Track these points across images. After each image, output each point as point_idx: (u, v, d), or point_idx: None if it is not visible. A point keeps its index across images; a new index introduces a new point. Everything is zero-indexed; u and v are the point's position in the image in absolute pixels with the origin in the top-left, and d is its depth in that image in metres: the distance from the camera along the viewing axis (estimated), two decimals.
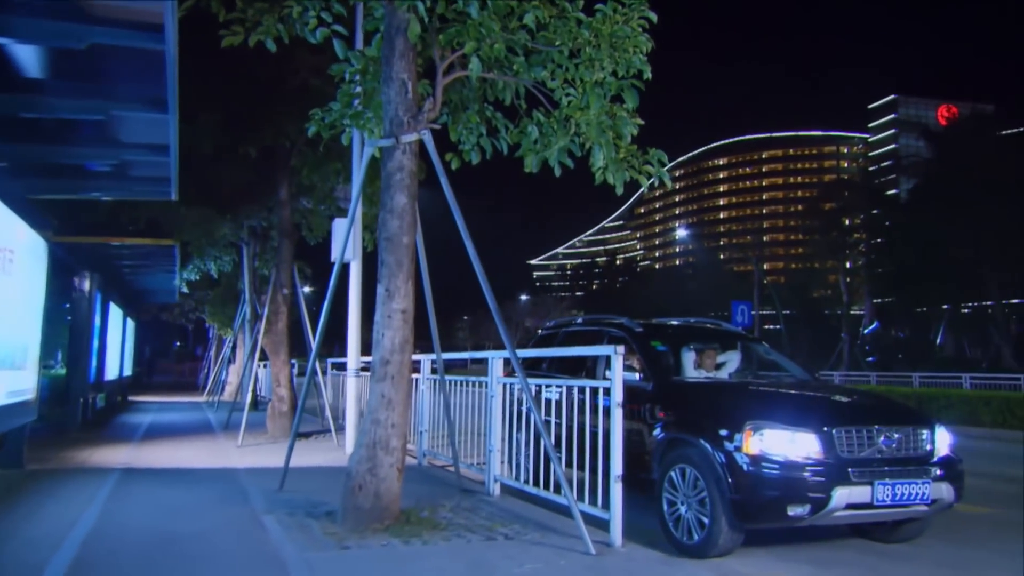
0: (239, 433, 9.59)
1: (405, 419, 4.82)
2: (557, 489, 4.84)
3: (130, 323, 19.12)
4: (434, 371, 6.96)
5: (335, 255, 8.51)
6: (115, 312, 14.88)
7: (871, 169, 57.14)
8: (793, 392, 5.38)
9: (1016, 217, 32.07)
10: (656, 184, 5.17)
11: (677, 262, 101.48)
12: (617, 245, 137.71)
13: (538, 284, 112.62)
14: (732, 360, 6.29)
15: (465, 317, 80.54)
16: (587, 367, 6.21)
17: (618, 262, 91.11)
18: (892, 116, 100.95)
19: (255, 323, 12.94)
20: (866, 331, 50.63)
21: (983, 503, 6.52)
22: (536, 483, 5.31)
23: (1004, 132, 36.80)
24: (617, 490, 4.30)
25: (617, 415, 4.38)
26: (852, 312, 51.71)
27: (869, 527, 4.99)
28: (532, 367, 7.21)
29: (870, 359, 44.92)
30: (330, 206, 11.09)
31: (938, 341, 45.81)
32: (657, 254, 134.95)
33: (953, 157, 35.86)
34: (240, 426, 9.75)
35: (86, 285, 11.01)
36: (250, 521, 4.84)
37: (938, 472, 4.48)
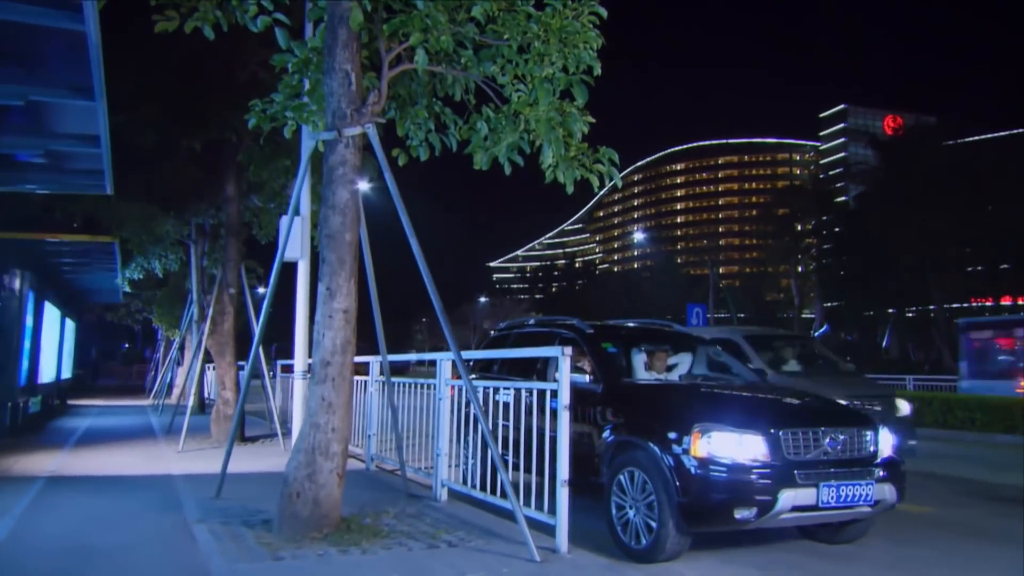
0: (181, 437, 9.23)
1: (347, 423, 4.64)
2: (505, 494, 4.72)
3: (70, 324, 18.31)
4: (382, 373, 6.78)
5: (280, 253, 8.29)
6: (51, 312, 14.20)
7: (822, 176, 58.80)
8: (741, 394, 5.37)
9: (956, 224, 33.32)
10: (607, 183, 5.09)
11: (635, 265, 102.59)
12: (576, 248, 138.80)
13: (498, 287, 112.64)
14: (683, 362, 6.28)
15: (424, 319, 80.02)
16: (538, 369, 6.12)
17: (577, 265, 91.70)
18: (842, 125, 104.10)
19: (202, 324, 12.51)
20: (817, 334, 51.95)
21: (924, 502, 6.64)
22: (484, 488, 5.18)
23: (946, 143, 38.14)
24: (564, 495, 4.21)
25: (564, 418, 4.28)
26: (804, 315, 53.09)
27: (815, 528, 5.01)
28: (485, 369, 7.09)
29: (821, 361, 45.97)
30: (281, 204, 10.78)
31: (884, 344, 47.27)
32: (616, 257, 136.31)
33: (898, 166, 37.08)
34: (182, 430, 9.39)
35: (16, 283, 10.46)
36: (179, 531, 4.59)
37: (881, 473, 4.51)
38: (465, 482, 5.66)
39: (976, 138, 43.14)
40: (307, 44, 5.05)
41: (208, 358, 11.92)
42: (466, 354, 5.64)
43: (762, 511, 4.19)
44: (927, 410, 15.66)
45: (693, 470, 4.27)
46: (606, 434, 5.02)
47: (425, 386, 6.26)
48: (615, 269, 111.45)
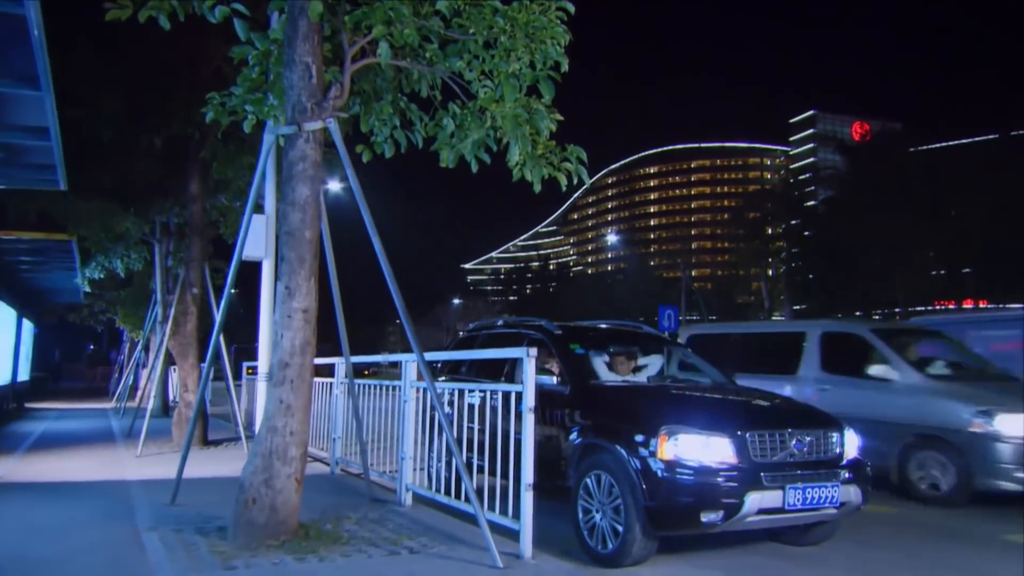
0: (139, 441, 8.95)
1: (305, 426, 4.50)
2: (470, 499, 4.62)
3: (27, 324, 17.74)
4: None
5: (245, 252, 8.09)
6: (6, 312, 13.73)
7: (792, 181, 59.58)
8: (708, 396, 5.34)
9: (920, 229, 34.04)
10: (575, 182, 5.02)
11: (609, 267, 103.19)
12: (551, 250, 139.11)
13: (472, 288, 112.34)
14: (652, 363, 6.23)
15: (397, 321, 79.42)
16: (506, 371, 6.02)
17: (551, 267, 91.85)
18: (811, 131, 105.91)
19: (165, 325, 12.20)
20: None
21: (890, 502, 6.69)
22: (449, 492, 5.07)
23: (911, 149, 38.95)
24: (528, 499, 4.12)
25: (529, 420, 4.20)
26: (774, 318, 53.72)
27: (781, 531, 4.98)
28: (454, 371, 6.98)
29: None
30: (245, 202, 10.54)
31: None
32: (589, 259, 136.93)
33: (865, 171, 37.79)
34: (143, 434, 9.11)
35: None
36: (128, 540, 4.40)
37: (847, 475, 4.50)
38: (430, 486, 5.54)
39: (940, 145, 44.08)
40: (268, 36, 4.90)
41: (171, 360, 11.62)
42: (430, 355, 5.52)
43: (729, 514, 4.15)
44: None
45: (660, 473, 4.22)
46: (573, 436, 4.95)
47: (390, 388, 6.13)
48: (589, 271, 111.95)
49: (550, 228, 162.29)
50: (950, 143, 44.34)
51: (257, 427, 10.07)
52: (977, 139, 44.11)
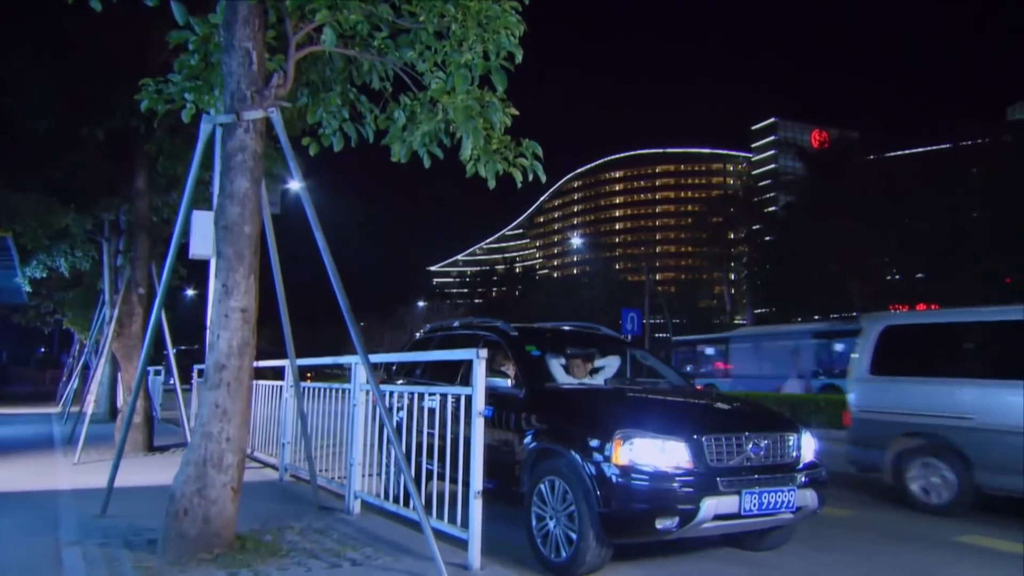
0: (79, 448, 8.51)
1: (243, 432, 4.25)
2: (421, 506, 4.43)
3: None
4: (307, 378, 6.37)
5: (192, 250, 7.76)
6: None
7: (753, 186, 60.58)
8: (665, 399, 5.23)
9: (876, 235, 34.83)
10: (531, 178, 4.87)
11: (575, 271, 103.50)
12: (517, 253, 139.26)
13: (438, 291, 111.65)
14: (610, 366, 6.11)
15: (362, 323, 78.45)
16: (461, 374, 5.84)
17: (517, 270, 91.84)
18: (772, 137, 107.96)
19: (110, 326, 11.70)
20: None
21: (846, 506, 6.68)
22: (397, 500, 4.86)
23: (867, 157, 39.85)
24: (476, 507, 3.94)
25: (478, 425, 4.03)
26: (736, 321, 54.49)
27: (738, 535, 4.90)
28: (410, 373, 6.77)
29: None
30: (198, 199, 10.14)
31: None
32: (556, 263, 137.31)
33: (823, 177, 38.54)
34: (86, 440, 8.66)
35: None
36: (47, 556, 4.09)
37: (803, 479, 4.42)
38: (379, 494, 5.31)
39: (896, 153, 45.27)
40: (208, 20, 4.64)
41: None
42: (377, 357, 5.32)
43: (684, 520, 4.03)
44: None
45: (614, 479, 4.08)
46: (527, 441, 4.79)
47: (340, 392, 5.89)
48: (555, 274, 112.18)
49: (516, 231, 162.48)
50: (905, 152, 45.58)
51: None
52: (930, 148, 45.36)
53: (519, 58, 4.34)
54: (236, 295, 4.16)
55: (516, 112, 4.76)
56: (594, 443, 4.25)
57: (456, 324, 6.84)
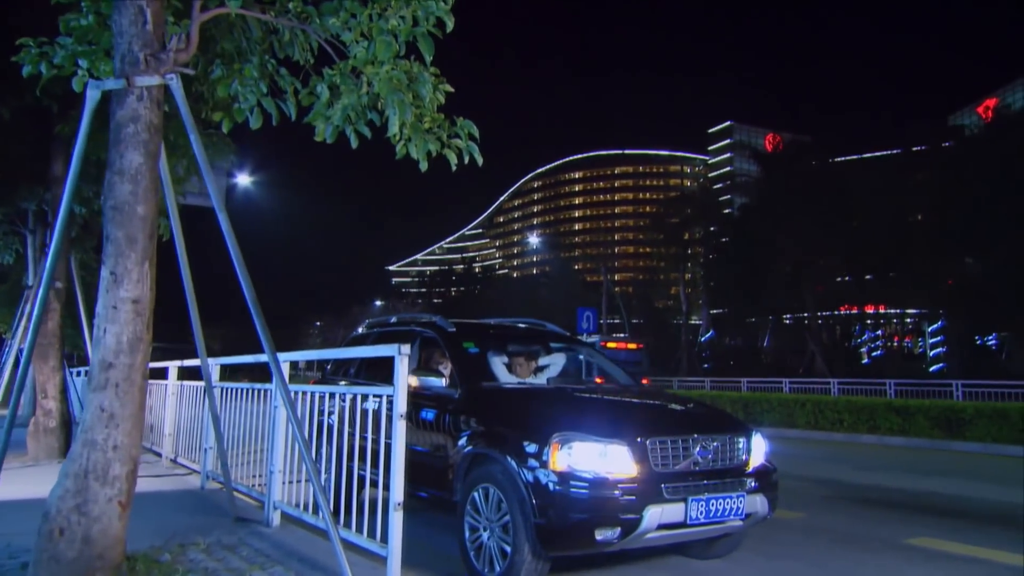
0: None
1: (135, 439, 3.76)
2: (347, 517, 4.02)
3: None
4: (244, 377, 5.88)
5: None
6: None
7: (709, 188, 61.30)
8: (609, 399, 4.91)
9: (827, 237, 35.49)
10: (466, 161, 4.50)
11: (534, 271, 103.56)
12: (476, 253, 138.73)
13: (397, 290, 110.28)
14: (555, 364, 5.78)
15: (318, 322, 76.87)
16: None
17: (476, 269, 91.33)
18: (728, 141, 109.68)
19: (27, 322, 10.89)
20: (703, 339, 54.13)
21: (797, 508, 6.48)
22: (318, 511, 4.43)
23: (819, 161, 40.57)
24: (396, 520, 3.55)
25: (400, 429, 3.63)
26: (692, 322, 55.06)
27: (685, 543, 4.61)
28: (347, 374, 6.34)
29: (706, 365, 47.98)
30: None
31: (764, 347, 49.77)
32: (515, 263, 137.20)
33: (776, 180, 39.13)
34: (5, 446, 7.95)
35: None
36: None
37: (753, 484, 4.14)
38: (300, 504, 4.85)
39: (846, 158, 46.25)
40: None
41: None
42: (291, 355, 4.88)
43: (626, 531, 3.71)
44: (800, 412, 16.20)
45: (551, 486, 3.74)
46: (461, 445, 4.43)
47: (264, 392, 5.41)
48: (514, 274, 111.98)
49: (476, 231, 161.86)
50: (856, 156, 46.60)
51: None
52: (880, 153, 46.52)
53: (450, 25, 3.96)
54: (127, 284, 3.68)
55: (451, 89, 4.41)
56: (530, 447, 3.90)
57: (393, 320, 6.43)
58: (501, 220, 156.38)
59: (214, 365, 6.24)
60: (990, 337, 40.55)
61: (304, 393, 4.71)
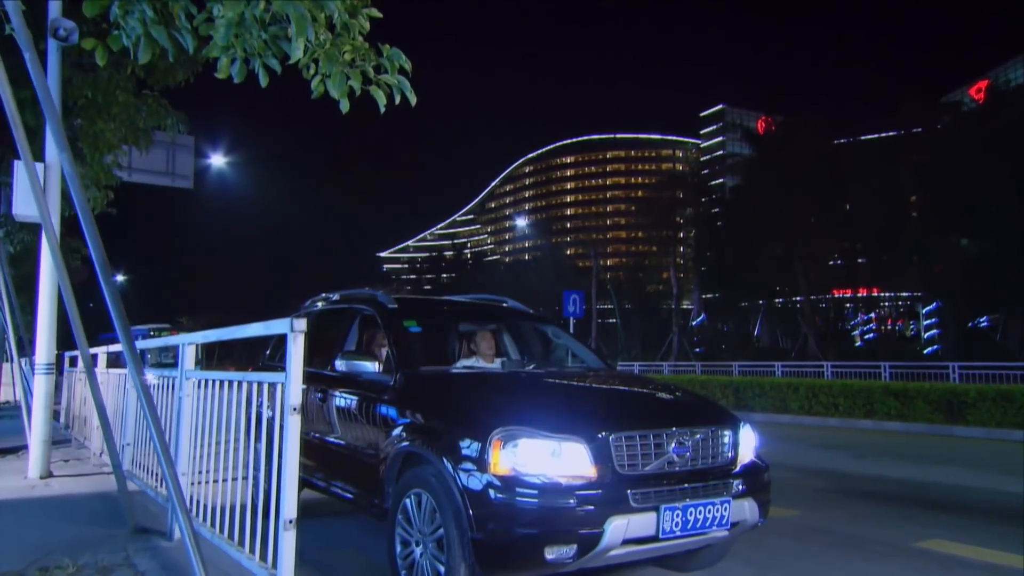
0: None
1: None
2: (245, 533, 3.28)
3: None
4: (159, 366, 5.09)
5: (16, 210, 6.37)
6: None
7: (703, 172, 60.36)
8: (568, 385, 4.14)
9: (820, 220, 34.87)
10: (397, 101, 3.73)
11: (525, 256, 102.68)
12: (467, 238, 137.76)
13: (387, 276, 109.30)
14: (514, 346, 5.05)
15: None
16: (335, 356, 4.67)
17: (467, 255, 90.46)
18: (720, 124, 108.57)
19: None
20: (694, 323, 53.61)
21: (791, 504, 5.80)
22: (215, 523, 3.67)
23: (811, 142, 39.74)
24: (287, 541, 2.79)
25: (292, 425, 2.87)
26: (683, 306, 54.48)
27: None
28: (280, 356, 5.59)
29: (697, 350, 47.49)
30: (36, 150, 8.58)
31: (755, 333, 49.31)
32: (506, 248, 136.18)
33: (768, 162, 38.34)
34: None
35: None
36: None
37: (740, 486, 3.41)
38: (201, 515, 4.09)
39: (839, 141, 45.43)
40: None
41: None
42: (191, 336, 4.12)
43: (584, 549, 2.98)
44: (793, 396, 15.57)
45: (492, 494, 3.00)
46: (393, 441, 3.69)
47: (170, 380, 4.63)
48: (506, 260, 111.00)
49: (467, 217, 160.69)
50: (850, 139, 45.77)
51: (72, 430, 8.28)
52: (874, 136, 45.72)
53: None
54: None
55: (378, 14, 3.65)
56: (467, 446, 3.17)
57: (336, 297, 5.66)
58: (493, 205, 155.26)
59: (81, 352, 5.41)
60: (982, 319, 40.10)
61: (206, 382, 3.93)
